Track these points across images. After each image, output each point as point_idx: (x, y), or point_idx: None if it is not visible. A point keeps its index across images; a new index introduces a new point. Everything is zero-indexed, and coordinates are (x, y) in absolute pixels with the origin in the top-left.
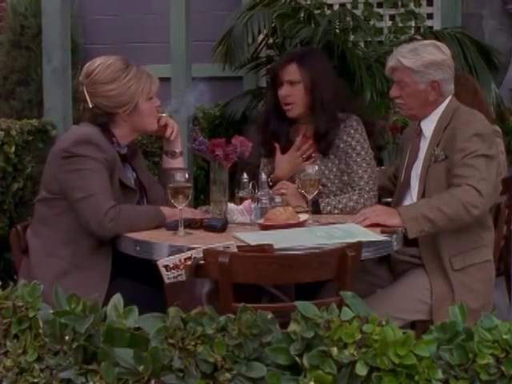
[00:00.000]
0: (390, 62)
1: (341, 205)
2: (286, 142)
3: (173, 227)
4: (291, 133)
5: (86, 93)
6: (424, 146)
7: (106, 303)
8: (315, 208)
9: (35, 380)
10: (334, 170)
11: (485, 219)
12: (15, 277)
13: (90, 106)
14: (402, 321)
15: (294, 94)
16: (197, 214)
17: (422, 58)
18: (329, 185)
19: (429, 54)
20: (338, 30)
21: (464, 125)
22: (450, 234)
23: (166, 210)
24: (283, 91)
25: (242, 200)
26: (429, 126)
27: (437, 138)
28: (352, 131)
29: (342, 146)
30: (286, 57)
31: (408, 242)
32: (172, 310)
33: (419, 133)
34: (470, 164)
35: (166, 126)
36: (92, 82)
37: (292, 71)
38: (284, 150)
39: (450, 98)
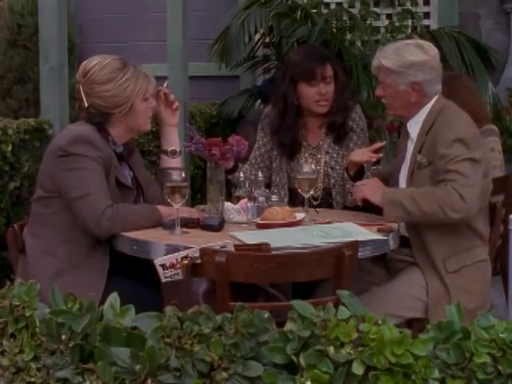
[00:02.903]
0: (374, 62)
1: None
2: (298, 142)
3: (169, 226)
4: (298, 129)
5: (82, 92)
6: (410, 148)
7: (102, 302)
8: (327, 198)
9: (32, 379)
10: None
11: (475, 220)
12: (12, 276)
13: (86, 105)
14: (398, 318)
15: (329, 92)
16: (194, 213)
17: (402, 59)
18: (340, 171)
19: (409, 54)
20: (334, 29)
21: (445, 129)
22: (440, 237)
23: (162, 209)
24: (323, 89)
25: (238, 199)
26: (414, 127)
27: (420, 142)
28: (357, 118)
29: (347, 129)
30: (319, 56)
31: (402, 244)
32: (169, 309)
33: (406, 133)
34: (453, 169)
35: (166, 96)
36: (88, 81)
37: (329, 69)
38: (296, 152)
39: (435, 98)
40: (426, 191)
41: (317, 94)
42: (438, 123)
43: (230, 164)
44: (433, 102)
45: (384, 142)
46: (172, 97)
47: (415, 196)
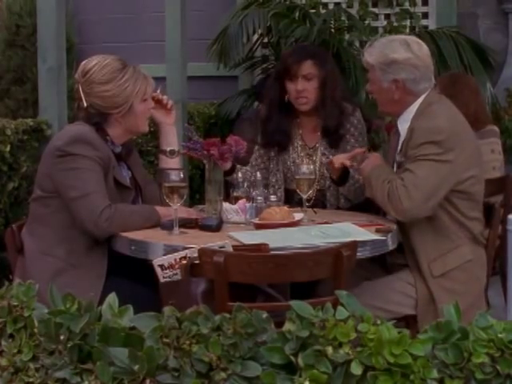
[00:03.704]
0: (363, 57)
1: (355, 177)
2: (289, 137)
3: (168, 227)
4: (294, 127)
5: (81, 92)
6: (400, 145)
7: (101, 302)
8: (322, 199)
9: (30, 379)
10: None
11: (455, 219)
12: (11, 276)
13: (85, 105)
14: (387, 312)
15: (308, 89)
16: (192, 213)
17: (384, 56)
18: None
19: (392, 51)
20: (333, 30)
21: (418, 132)
22: (425, 237)
23: (161, 209)
24: (300, 85)
25: (237, 199)
26: (403, 125)
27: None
28: (355, 121)
29: (342, 133)
30: (300, 53)
31: (400, 249)
32: (167, 310)
33: (397, 131)
34: (409, 168)
35: (160, 100)
36: (88, 81)
37: (308, 67)
38: (285, 146)
39: (424, 95)
40: (384, 180)
41: (295, 91)
42: (419, 124)
43: (228, 165)
44: (421, 99)
45: (363, 149)
46: (165, 99)
47: (377, 181)
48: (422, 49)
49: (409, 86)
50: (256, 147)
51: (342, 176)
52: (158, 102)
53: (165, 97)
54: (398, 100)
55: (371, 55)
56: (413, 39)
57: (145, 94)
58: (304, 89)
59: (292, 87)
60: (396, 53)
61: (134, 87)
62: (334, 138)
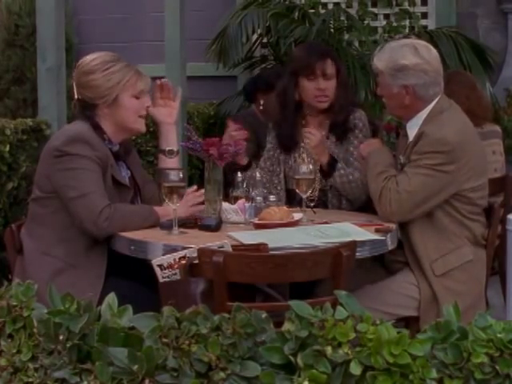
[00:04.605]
0: (372, 62)
1: (351, 176)
2: (297, 140)
3: (167, 227)
4: (300, 128)
5: (74, 85)
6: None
7: (100, 302)
8: (324, 200)
9: (30, 379)
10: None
11: (456, 221)
12: (10, 276)
13: (76, 97)
14: (390, 315)
15: (329, 88)
16: (189, 208)
17: (394, 62)
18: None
19: (401, 57)
20: (332, 30)
21: (426, 138)
22: (427, 238)
23: (160, 209)
24: (322, 84)
25: (236, 199)
26: (413, 129)
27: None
28: (360, 124)
29: (349, 128)
30: (318, 51)
31: (397, 246)
32: (166, 310)
33: (405, 134)
34: (406, 172)
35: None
36: (79, 73)
37: (329, 65)
38: (291, 148)
39: (435, 101)
40: (381, 173)
41: (316, 90)
42: (427, 131)
43: (245, 161)
44: (431, 105)
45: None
46: (169, 84)
47: (374, 169)
48: (431, 53)
49: (418, 91)
50: (266, 149)
51: (330, 164)
52: (162, 89)
53: (169, 85)
54: (408, 105)
55: (380, 60)
56: (421, 43)
57: (135, 89)
58: (325, 87)
59: (311, 86)
60: (405, 59)
61: (121, 79)
62: (341, 132)
